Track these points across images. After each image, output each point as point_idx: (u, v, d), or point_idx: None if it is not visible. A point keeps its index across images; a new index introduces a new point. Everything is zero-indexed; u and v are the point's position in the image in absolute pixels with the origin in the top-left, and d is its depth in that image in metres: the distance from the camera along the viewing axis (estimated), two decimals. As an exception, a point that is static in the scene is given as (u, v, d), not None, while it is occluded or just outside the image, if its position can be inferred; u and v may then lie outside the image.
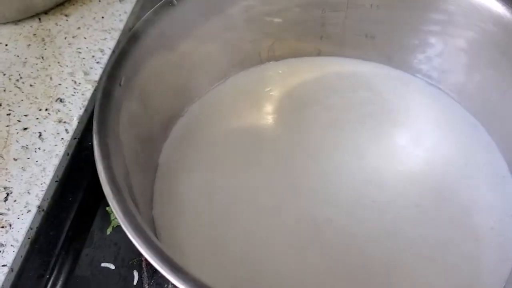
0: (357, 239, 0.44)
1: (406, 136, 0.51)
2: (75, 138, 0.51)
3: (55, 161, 0.49)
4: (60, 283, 0.47)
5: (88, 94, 0.54)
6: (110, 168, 0.35)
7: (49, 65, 0.55)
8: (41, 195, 0.47)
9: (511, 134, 0.48)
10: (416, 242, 0.44)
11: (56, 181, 0.49)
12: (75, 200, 0.51)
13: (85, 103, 0.53)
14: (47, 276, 0.47)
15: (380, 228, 0.45)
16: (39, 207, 0.47)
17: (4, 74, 0.54)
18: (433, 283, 0.42)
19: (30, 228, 0.46)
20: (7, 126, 0.50)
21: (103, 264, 0.49)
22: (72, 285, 0.47)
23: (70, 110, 0.53)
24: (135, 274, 0.48)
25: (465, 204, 0.47)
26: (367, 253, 0.44)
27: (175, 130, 0.51)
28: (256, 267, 0.43)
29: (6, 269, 0.43)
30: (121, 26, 0.58)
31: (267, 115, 0.53)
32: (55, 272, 0.47)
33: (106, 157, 0.35)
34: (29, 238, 0.46)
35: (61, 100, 0.54)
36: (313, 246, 0.44)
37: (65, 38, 0.58)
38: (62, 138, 0.51)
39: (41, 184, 0.48)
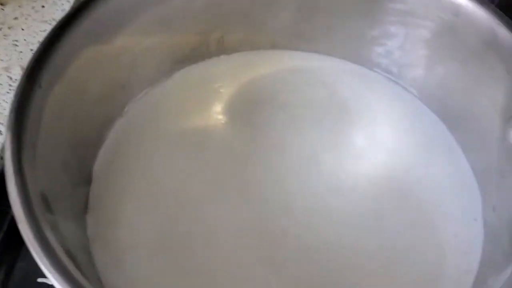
0: (313, 252, 0.42)
1: (364, 136, 0.49)
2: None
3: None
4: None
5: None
6: (24, 186, 0.31)
7: (-18, 59, 0.51)
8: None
9: (474, 132, 0.46)
10: (375, 253, 0.42)
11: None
12: (7, 210, 0.48)
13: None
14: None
15: (337, 240, 0.43)
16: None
17: None
18: None
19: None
20: None
21: (39, 280, 0.45)
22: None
23: (5, 109, 0.49)
24: (74, 289, 0.45)
25: (426, 208, 0.45)
26: (324, 267, 0.41)
27: (113, 132, 0.47)
28: (202, 285, 0.40)
29: None
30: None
31: (216, 114, 0.50)
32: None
33: (19, 173, 0.31)
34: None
35: (-9, 101, 0.50)
36: (266, 261, 0.41)
37: (0, 29, 0.55)
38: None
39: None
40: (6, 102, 0.49)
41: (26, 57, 0.56)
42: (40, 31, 0.55)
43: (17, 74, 0.54)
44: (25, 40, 0.55)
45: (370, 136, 0.48)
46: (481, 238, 0.43)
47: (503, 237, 0.39)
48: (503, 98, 0.41)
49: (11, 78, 0.51)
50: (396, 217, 0.44)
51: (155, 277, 0.40)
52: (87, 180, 0.44)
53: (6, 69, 0.51)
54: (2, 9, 0.56)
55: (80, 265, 0.33)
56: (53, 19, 0.55)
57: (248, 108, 0.50)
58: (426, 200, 0.45)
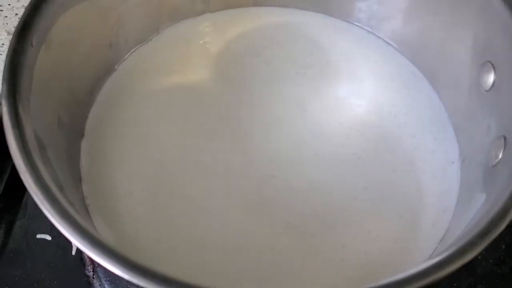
0: (302, 194, 0.44)
1: (347, 87, 0.50)
2: None
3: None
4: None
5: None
6: (22, 137, 0.32)
7: (-33, 25, 0.51)
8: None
9: (450, 81, 0.47)
10: (359, 193, 0.44)
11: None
12: (5, 169, 0.49)
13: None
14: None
15: (323, 181, 0.44)
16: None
17: None
18: (377, 234, 0.42)
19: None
20: None
21: (38, 236, 0.47)
22: (6, 259, 0.45)
23: None
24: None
25: (407, 153, 0.46)
26: (311, 207, 0.43)
27: (104, 89, 0.48)
28: (195, 230, 0.42)
29: None
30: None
31: (204, 69, 0.51)
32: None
33: (16, 126, 0.32)
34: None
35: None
36: (257, 204, 0.43)
37: (-17, -5, 0.54)
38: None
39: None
40: None
41: (12, 22, 0.56)
42: (24, -5, 0.55)
43: (3, 39, 0.55)
44: (9, 5, 0.56)
45: (353, 87, 0.50)
46: (458, 179, 0.44)
47: (478, 178, 0.41)
48: (476, 44, 0.42)
49: (-3, 43, 0.51)
50: (378, 162, 0.45)
51: (147, 220, 0.42)
52: (81, 135, 0.45)
53: (-8, 34, 0.52)
54: (-16, -24, 0.56)
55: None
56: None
57: (234, 64, 0.51)
58: (406, 145, 0.46)
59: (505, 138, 0.37)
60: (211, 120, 0.47)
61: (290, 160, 0.45)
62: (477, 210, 0.35)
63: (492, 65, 0.40)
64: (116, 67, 0.50)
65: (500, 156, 0.37)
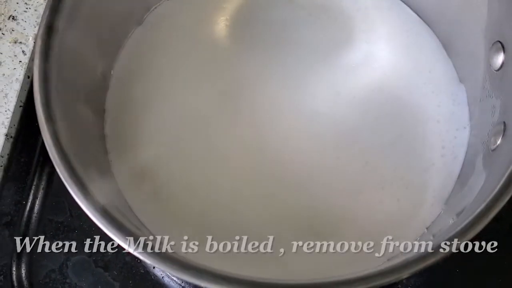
0: (318, 158, 0.47)
1: (363, 50, 0.51)
2: (33, 59, 0.50)
3: (17, 86, 0.50)
4: (37, 207, 0.50)
5: (41, 10, 0.52)
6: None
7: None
8: (7, 122, 0.49)
9: (464, 52, 0.48)
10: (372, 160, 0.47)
11: (20, 106, 0.50)
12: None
13: (39, 20, 0.52)
14: (23, 202, 0.50)
15: (336, 146, 0.48)
16: (6, 134, 0.48)
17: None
18: (385, 204, 0.45)
19: (1, 156, 0.48)
20: (-40, 51, 0.50)
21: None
22: (49, 209, 0.50)
23: (25, 29, 0.52)
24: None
25: (421, 115, 0.48)
26: (323, 182, 0.46)
27: (131, 39, 0.51)
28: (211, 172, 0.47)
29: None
30: None
31: (221, 29, 0.52)
32: (31, 197, 0.50)
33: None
34: (1, 166, 0.48)
35: (13, 18, 0.52)
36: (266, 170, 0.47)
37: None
38: (20, 61, 0.51)
39: (6, 111, 0.49)
40: (25, 21, 0.52)
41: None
42: None
43: None
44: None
45: (369, 49, 0.51)
46: (466, 145, 0.47)
47: (479, 154, 0.43)
48: (489, 22, 0.43)
49: None
50: (392, 123, 0.48)
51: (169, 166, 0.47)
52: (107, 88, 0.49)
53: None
54: None
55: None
56: None
57: (248, 24, 0.52)
58: (421, 107, 0.49)
59: (504, 124, 0.39)
60: (222, 82, 0.50)
61: (309, 117, 0.49)
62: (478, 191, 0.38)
63: (502, 46, 0.41)
64: (143, 18, 0.52)
65: (498, 142, 0.39)
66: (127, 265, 0.48)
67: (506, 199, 0.34)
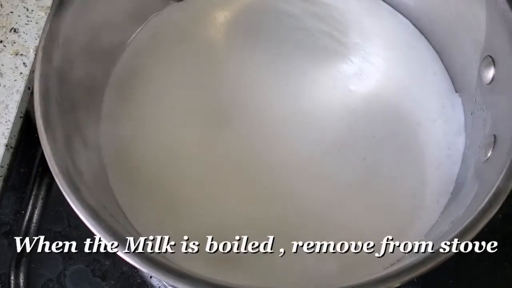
0: (306, 172, 0.48)
1: (359, 60, 0.52)
2: (34, 71, 0.51)
3: (17, 97, 0.50)
4: (35, 217, 0.50)
5: (42, 23, 0.53)
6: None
7: (-3, -9, 0.53)
8: (7, 133, 0.49)
9: (453, 47, 0.49)
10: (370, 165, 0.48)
11: (20, 117, 0.50)
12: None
13: (40, 32, 0.52)
14: (23, 212, 0.50)
15: (330, 148, 0.48)
16: (6, 145, 0.49)
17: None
18: (383, 212, 0.46)
19: (1, 166, 0.48)
20: (-38, 62, 0.51)
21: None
22: (48, 218, 0.50)
23: (26, 41, 0.52)
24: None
25: (417, 122, 0.49)
26: (316, 191, 0.47)
27: (134, 41, 0.52)
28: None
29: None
30: None
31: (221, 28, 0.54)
32: (30, 207, 0.50)
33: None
34: (1, 176, 0.48)
35: (15, 31, 0.53)
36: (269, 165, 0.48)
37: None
38: (21, 73, 0.51)
39: (6, 122, 0.49)
40: (26, 33, 0.52)
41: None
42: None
43: (33, 4, 0.54)
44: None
45: (364, 58, 0.52)
46: (462, 151, 0.48)
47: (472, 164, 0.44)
48: (480, 36, 0.43)
49: (27, 9, 0.53)
50: (387, 129, 0.49)
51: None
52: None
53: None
54: None
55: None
56: None
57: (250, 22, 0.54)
58: (415, 115, 0.49)
59: (495, 137, 0.40)
60: (219, 79, 0.51)
61: (307, 118, 0.50)
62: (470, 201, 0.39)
63: (493, 60, 0.42)
64: (145, 23, 0.53)
65: (489, 154, 0.40)
66: (125, 274, 0.49)
67: (495, 210, 0.35)
